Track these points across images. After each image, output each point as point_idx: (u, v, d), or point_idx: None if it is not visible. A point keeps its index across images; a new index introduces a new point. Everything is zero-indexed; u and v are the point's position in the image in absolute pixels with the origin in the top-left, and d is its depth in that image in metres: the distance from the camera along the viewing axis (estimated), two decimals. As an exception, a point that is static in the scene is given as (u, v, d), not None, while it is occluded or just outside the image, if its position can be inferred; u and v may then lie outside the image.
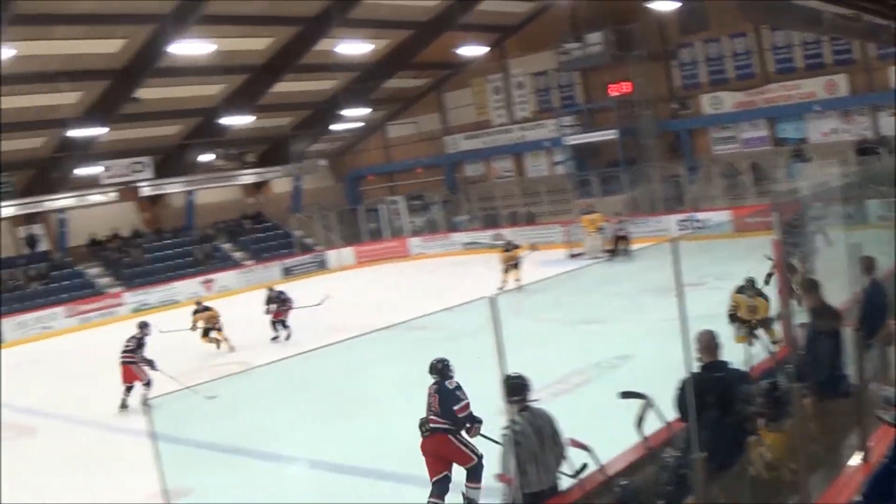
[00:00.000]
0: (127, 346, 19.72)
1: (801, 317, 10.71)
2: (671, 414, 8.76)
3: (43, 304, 38.36)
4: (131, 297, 39.97)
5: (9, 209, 39.69)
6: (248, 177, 49.52)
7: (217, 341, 26.00)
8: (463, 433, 11.03)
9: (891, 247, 12.48)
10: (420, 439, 11.19)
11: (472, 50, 42.69)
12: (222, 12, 32.83)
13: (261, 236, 48.93)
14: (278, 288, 28.23)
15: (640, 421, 8.85)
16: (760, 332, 14.36)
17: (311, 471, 13.41)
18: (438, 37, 41.15)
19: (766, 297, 14.61)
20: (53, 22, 30.17)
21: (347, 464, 12.89)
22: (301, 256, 47.33)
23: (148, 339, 20.09)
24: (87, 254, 43.64)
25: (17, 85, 32.28)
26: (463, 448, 11.00)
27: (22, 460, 17.43)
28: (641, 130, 40.20)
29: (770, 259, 16.18)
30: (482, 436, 11.11)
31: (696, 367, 8.51)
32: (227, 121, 41.88)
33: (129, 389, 19.23)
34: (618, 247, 33.19)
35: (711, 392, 8.28)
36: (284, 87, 40.97)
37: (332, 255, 47.65)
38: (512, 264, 29.73)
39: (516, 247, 30.75)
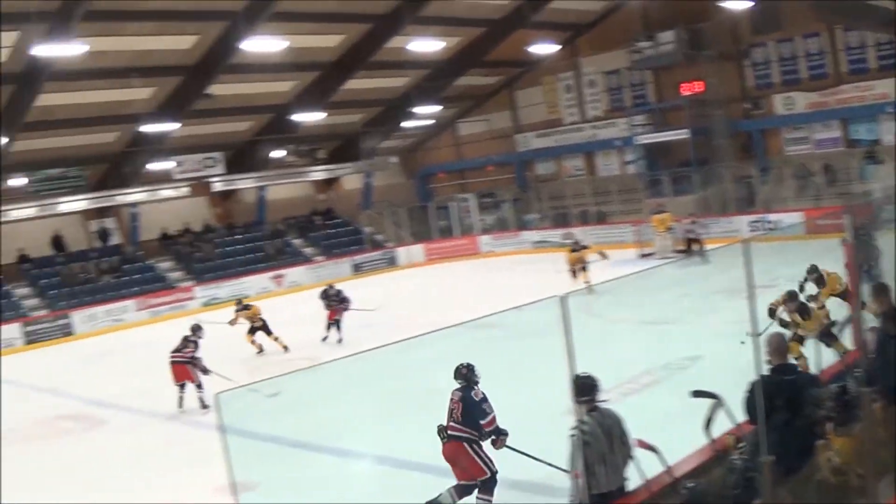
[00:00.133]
0: (178, 347, 19.69)
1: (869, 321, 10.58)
2: (740, 416, 8.71)
3: (114, 297, 38.83)
4: (202, 292, 40.30)
5: (82, 203, 40.35)
6: (319, 173, 49.81)
7: (259, 345, 25.65)
8: (483, 445, 11.04)
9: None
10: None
11: (544, 48, 42.52)
12: (294, 9, 33.05)
13: (331, 232, 49.19)
14: (338, 286, 27.60)
15: (708, 422, 8.80)
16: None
17: (377, 467, 13.44)
18: (510, 34, 41.03)
19: (808, 312, 14.28)
20: (125, 18, 30.51)
21: (413, 460, 12.90)
22: (371, 253, 47.47)
23: (201, 342, 19.99)
24: (158, 248, 44.11)
25: (89, 80, 32.72)
26: (478, 461, 10.99)
27: (92, 452, 17.67)
28: (713, 130, 39.81)
29: (811, 272, 16.06)
30: (508, 447, 11.14)
31: (765, 369, 8.44)
32: (298, 117, 42.06)
33: (182, 387, 19.23)
34: (691, 248, 32.73)
35: (781, 395, 8.21)
36: (356, 84, 41.07)
37: (402, 252, 47.79)
38: (580, 266, 29.16)
39: (584, 247, 30.16)
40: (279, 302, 32.67)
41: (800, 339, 14.09)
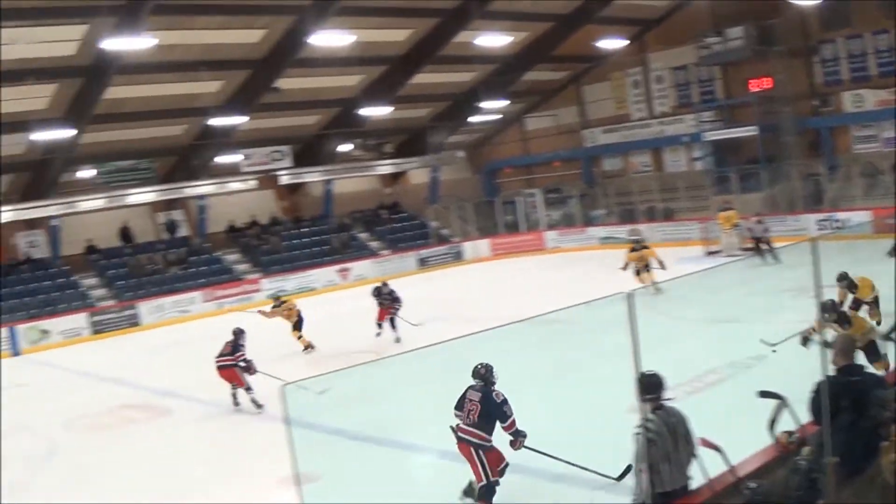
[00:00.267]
0: (223, 351, 19.60)
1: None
2: (805, 417, 8.68)
3: (181, 288, 39.30)
4: (268, 284, 40.48)
5: (150, 195, 40.84)
6: (386, 167, 50.01)
7: (304, 341, 25.50)
8: (490, 452, 11.15)
9: None
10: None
11: (612, 43, 42.57)
12: (362, 4, 33.37)
13: (397, 226, 49.36)
14: (391, 285, 26.65)
15: (773, 423, 8.78)
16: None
17: (440, 461, 13.45)
18: (578, 30, 41.03)
19: (848, 321, 13.64)
20: (194, 12, 30.89)
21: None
22: (437, 247, 47.55)
23: (243, 348, 19.75)
24: (225, 240, 44.50)
25: (158, 74, 33.10)
26: (479, 467, 11.10)
27: (156, 441, 17.92)
28: (781, 127, 39.45)
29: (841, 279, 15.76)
30: (527, 447, 11.20)
31: (831, 370, 8.41)
32: (365, 111, 42.29)
33: (234, 387, 19.17)
34: (760, 248, 32.12)
35: (846, 396, 8.17)
36: (423, 78, 41.23)
37: (468, 247, 47.84)
38: (642, 265, 28.10)
39: (644, 247, 29.09)
40: (344, 295, 32.80)
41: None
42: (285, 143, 43.44)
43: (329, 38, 32.68)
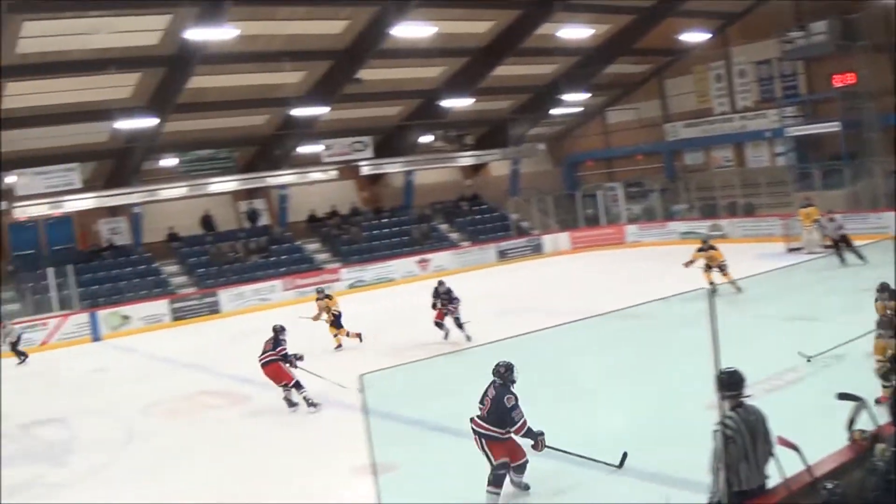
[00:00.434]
0: (264, 349, 19.41)
1: None
2: (884, 418, 8.62)
3: (261, 276, 39.78)
4: (348, 274, 40.90)
5: (231, 184, 41.32)
6: (467, 159, 50.16)
7: (357, 334, 25.55)
8: (490, 441, 11.40)
9: None
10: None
11: (695, 36, 42.31)
12: (444, -4, 33.35)
13: (477, 218, 49.50)
14: (448, 283, 25.64)
15: (851, 423, 8.72)
16: None
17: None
18: (660, 22, 40.82)
19: None
20: (277, 3, 31.20)
21: (554, 448, 12.91)
22: (517, 240, 47.51)
23: (284, 343, 19.49)
24: (306, 229, 44.91)
25: (241, 64, 33.41)
26: (485, 456, 11.43)
27: (233, 428, 18.23)
28: (864, 123, 38.91)
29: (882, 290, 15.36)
30: (549, 447, 11.30)
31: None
32: (446, 103, 42.44)
33: (285, 387, 18.79)
34: (838, 247, 31.25)
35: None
36: (504, 70, 41.14)
37: (548, 240, 47.68)
38: (717, 265, 26.81)
39: (712, 247, 27.64)
40: (423, 286, 32.78)
41: None
42: (367, 133, 43.65)
43: (411, 30, 32.90)
